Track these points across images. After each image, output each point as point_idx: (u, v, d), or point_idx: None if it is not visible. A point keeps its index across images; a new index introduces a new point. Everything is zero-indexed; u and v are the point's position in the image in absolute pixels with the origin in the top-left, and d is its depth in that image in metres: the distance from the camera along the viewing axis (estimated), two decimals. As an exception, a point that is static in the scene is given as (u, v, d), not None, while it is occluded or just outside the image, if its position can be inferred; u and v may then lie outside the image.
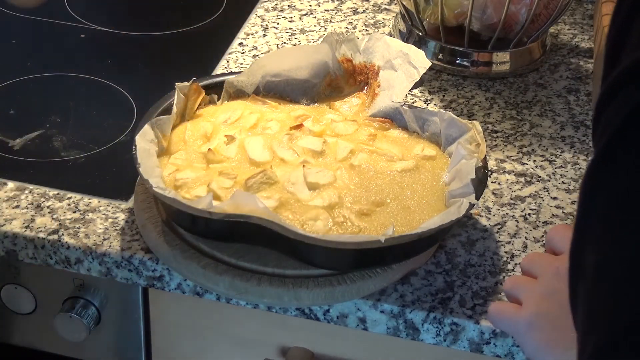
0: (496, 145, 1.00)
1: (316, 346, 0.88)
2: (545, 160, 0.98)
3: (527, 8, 1.05)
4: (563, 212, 0.91)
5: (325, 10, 1.22)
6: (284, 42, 1.15)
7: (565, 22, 1.24)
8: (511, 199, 0.92)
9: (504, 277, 0.83)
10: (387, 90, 0.91)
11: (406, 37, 1.13)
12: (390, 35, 1.13)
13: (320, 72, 0.95)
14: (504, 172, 0.96)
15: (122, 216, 0.87)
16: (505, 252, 0.86)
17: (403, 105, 0.90)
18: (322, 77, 0.95)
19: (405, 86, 0.90)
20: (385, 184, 0.83)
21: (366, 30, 1.18)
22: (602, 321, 0.44)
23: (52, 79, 1.08)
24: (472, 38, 1.08)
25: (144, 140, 0.82)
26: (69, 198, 0.89)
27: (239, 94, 0.94)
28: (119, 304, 0.91)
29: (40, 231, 0.85)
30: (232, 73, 0.96)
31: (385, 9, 1.23)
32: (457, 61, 1.10)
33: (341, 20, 1.20)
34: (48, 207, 0.88)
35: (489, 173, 0.93)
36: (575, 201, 0.93)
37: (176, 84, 0.89)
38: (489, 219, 0.90)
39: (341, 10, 1.22)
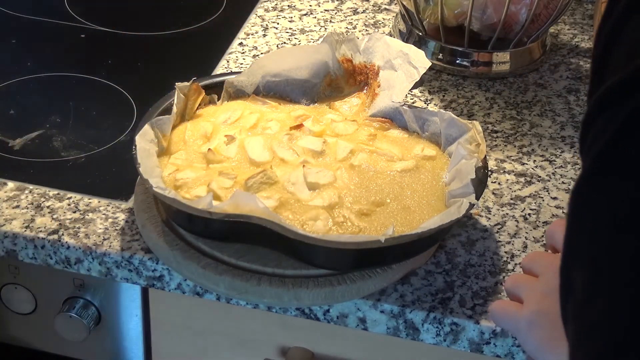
0: (496, 145, 1.00)
1: (316, 346, 0.88)
2: (545, 160, 0.98)
3: (527, 8, 1.05)
4: (563, 212, 0.91)
5: (325, 10, 1.22)
6: (284, 42, 1.15)
7: (565, 22, 1.24)
8: (511, 199, 0.92)
9: (504, 277, 0.83)
10: (387, 90, 0.91)
11: (406, 37, 1.13)
12: (390, 35, 1.13)
13: (320, 72, 0.95)
14: (504, 172, 0.96)
15: (122, 216, 0.87)
16: (505, 252, 0.86)
17: (403, 105, 0.90)
18: (322, 77, 0.95)
19: (405, 86, 0.90)
20: (385, 184, 0.83)
21: (366, 30, 1.18)
22: (589, 343, 0.44)
23: (52, 79, 1.08)
24: (472, 38, 1.08)
25: (144, 140, 0.82)
26: (69, 198, 0.89)
27: (239, 94, 0.94)
28: (119, 304, 0.91)
29: (40, 231, 0.85)
30: (232, 73, 0.96)
31: (385, 9, 1.23)
32: (457, 61, 1.10)
33: (341, 20, 1.20)
34: (48, 207, 0.88)
35: (489, 173, 0.93)
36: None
37: (176, 84, 0.89)
38: (489, 219, 0.90)
39: (341, 10, 1.22)
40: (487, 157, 0.86)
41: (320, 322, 0.82)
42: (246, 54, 1.12)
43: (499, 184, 0.94)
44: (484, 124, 1.02)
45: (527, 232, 0.88)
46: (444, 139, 0.88)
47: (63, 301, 0.90)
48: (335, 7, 1.23)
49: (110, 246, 0.84)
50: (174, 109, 0.87)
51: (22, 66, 1.09)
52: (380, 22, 1.20)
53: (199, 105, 0.92)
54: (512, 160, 0.98)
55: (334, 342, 0.88)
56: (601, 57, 0.47)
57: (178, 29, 1.18)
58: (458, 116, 0.90)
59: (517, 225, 0.89)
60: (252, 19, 1.19)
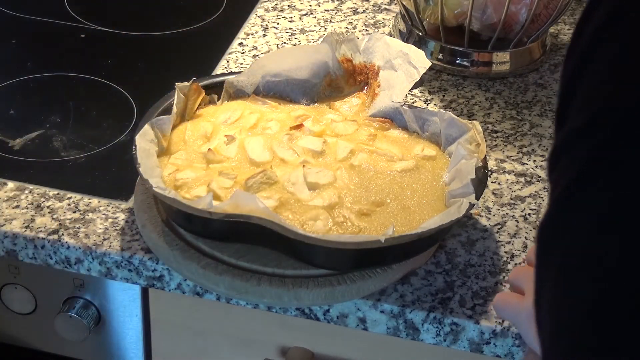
0: (496, 145, 1.00)
1: (316, 346, 0.88)
2: (545, 160, 0.98)
3: (527, 8, 1.05)
4: (563, 212, 0.91)
5: (325, 10, 1.22)
6: (284, 42, 1.15)
7: (565, 22, 1.24)
8: (511, 199, 0.92)
9: (504, 277, 0.83)
10: (387, 90, 0.91)
11: (406, 37, 1.13)
12: (390, 35, 1.13)
13: (320, 72, 0.95)
14: (504, 172, 0.96)
15: (122, 216, 0.87)
16: (505, 252, 0.86)
17: (403, 105, 0.90)
18: (322, 77, 0.95)
19: (405, 86, 0.90)
20: (385, 184, 0.83)
21: (366, 30, 1.18)
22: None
23: (52, 79, 1.08)
24: (472, 38, 1.08)
25: (144, 140, 0.82)
26: (69, 198, 0.89)
27: (239, 94, 0.94)
28: (119, 304, 0.91)
29: (40, 231, 0.85)
30: (232, 73, 0.96)
31: (385, 9, 1.23)
32: (457, 61, 1.10)
33: (341, 20, 1.20)
34: (48, 207, 0.88)
35: (489, 173, 0.93)
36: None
37: (176, 84, 0.89)
38: (489, 219, 0.90)
39: (341, 10, 1.22)
40: (487, 157, 0.86)
41: (320, 322, 0.82)
42: (246, 54, 1.12)
43: (499, 184, 0.94)
44: (484, 124, 1.02)
45: (527, 232, 0.88)
46: (444, 139, 0.88)
47: (63, 301, 0.90)
48: (335, 7, 1.23)
49: (110, 246, 0.84)
50: (174, 109, 0.87)
51: (22, 66, 1.09)
52: (380, 22, 1.20)
53: (199, 105, 0.92)
54: (512, 160, 0.98)
55: (334, 342, 0.88)
56: (566, 92, 0.50)
57: (178, 29, 1.18)
58: (458, 116, 0.90)
59: (517, 225, 0.89)
60: (252, 19, 1.19)
